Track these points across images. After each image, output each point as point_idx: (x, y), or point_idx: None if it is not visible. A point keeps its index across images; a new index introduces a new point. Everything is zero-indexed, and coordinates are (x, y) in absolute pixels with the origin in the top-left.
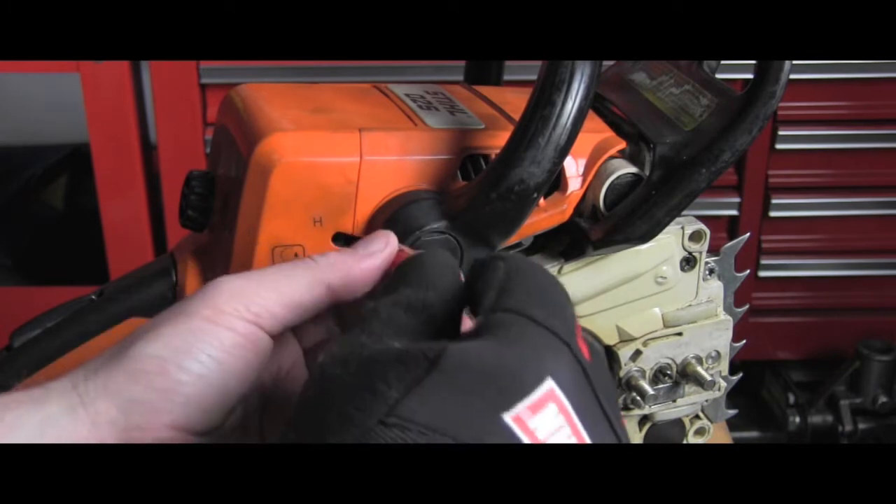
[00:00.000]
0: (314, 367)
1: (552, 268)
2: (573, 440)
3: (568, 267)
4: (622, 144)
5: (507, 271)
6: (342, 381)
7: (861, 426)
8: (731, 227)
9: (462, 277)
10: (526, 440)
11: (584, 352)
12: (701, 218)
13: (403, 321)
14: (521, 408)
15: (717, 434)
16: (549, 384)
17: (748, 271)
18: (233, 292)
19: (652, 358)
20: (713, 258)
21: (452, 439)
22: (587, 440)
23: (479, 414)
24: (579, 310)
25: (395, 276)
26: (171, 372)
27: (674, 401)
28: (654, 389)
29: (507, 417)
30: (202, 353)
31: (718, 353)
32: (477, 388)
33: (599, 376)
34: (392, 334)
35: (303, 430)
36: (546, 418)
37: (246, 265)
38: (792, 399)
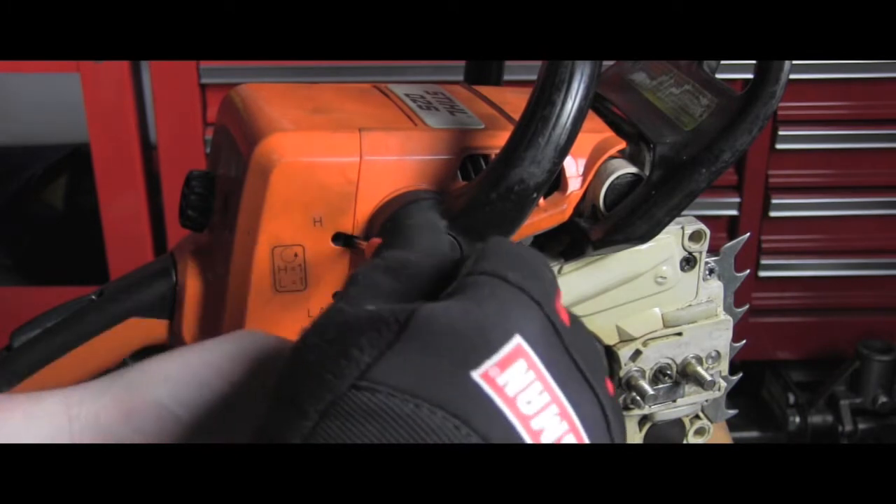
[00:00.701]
0: (298, 337)
1: (552, 268)
2: (545, 396)
3: (568, 267)
4: (622, 144)
5: (487, 244)
6: (319, 348)
7: (861, 426)
8: (731, 227)
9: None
10: (495, 397)
11: (564, 317)
12: (701, 218)
13: (382, 283)
14: (488, 365)
15: (717, 434)
16: (516, 340)
17: (748, 271)
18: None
19: (652, 358)
20: (713, 258)
21: (421, 400)
22: (560, 395)
23: (447, 373)
24: (579, 310)
25: (382, 241)
26: (166, 419)
27: (674, 401)
28: (654, 389)
29: (476, 375)
30: (204, 397)
31: (718, 353)
32: (445, 347)
33: (577, 339)
34: (370, 298)
35: (283, 397)
36: (515, 374)
37: (246, 265)
38: (792, 399)
